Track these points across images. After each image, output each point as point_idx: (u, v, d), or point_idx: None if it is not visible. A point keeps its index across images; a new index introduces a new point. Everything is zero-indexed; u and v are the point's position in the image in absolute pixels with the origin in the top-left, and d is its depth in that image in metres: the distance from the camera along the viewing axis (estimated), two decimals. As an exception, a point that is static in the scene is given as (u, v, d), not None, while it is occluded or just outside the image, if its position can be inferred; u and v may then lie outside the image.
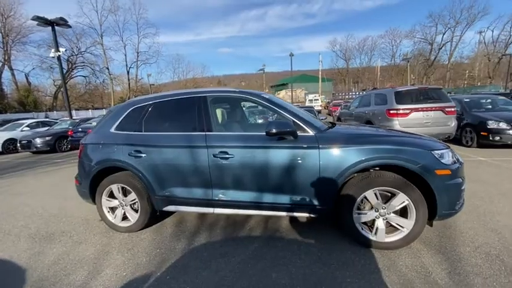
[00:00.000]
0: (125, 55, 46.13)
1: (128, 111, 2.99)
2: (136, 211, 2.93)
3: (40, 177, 6.23)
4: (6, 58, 34.91)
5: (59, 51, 12.36)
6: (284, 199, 2.44)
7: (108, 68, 42.60)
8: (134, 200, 2.89)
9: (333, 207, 2.35)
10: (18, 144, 10.43)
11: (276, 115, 2.63)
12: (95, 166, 2.91)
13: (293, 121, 2.42)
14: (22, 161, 8.94)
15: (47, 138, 10.11)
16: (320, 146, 2.30)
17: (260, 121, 6.85)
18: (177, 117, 2.87)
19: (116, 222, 2.98)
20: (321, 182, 2.29)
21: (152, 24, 61.02)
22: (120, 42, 44.65)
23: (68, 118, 14.09)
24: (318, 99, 30.03)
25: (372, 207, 2.31)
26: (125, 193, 2.95)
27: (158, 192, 2.78)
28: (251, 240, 2.61)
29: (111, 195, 2.98)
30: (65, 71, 28.18)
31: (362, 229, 2.33)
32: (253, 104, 2.97)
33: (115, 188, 2.92)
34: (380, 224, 2.29)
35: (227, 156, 2.50)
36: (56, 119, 15.13)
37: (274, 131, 2.27)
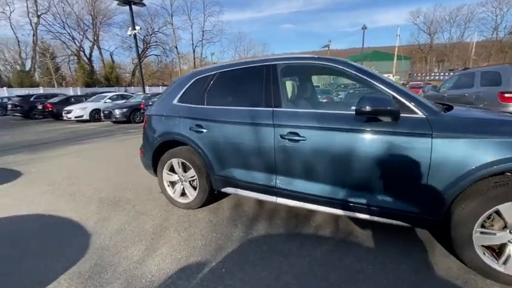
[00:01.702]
0: (192, 34, 48.58)
1: (191, 82, 2.77)
2: (195, 188, 2.77)
3: (116, 144, 6.87)
4: (95, 38, 40.21)
5: (135, 29, 13.34)
6: (368, 199, 1.90)
7: (176, 47, 45.61)
8: (193, 176, 2.73)
9: (441, 220, 1.73)
10: (102, 114, 11.88)
11: (367, 90, 2.03)
12: (157, 138, 2.81)
13: (394, 97, 1.80)
14: (104, 129, 10.14)
15: (124, 110, 11.23)
16: (434, 133, 1.65)
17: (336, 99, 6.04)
18: (242, 89, 2.51)
19: (175, 197, 2.89)
20: (429, 184, 1.67)
21: (217, 2, 62.15)
22: (187, 21, 47.19)
23: (141, 93, 15.45)
24: (331, 93, 25.62)
25: (505, 227, 1.61)
26: (185, 169, 2.81)
27: (217, 171, 2.54)
28: (318, 241, 2.19)
29: (172, 170, 2.88)
30: (140, 50, 31.04)
31: (484, 254, 1.66)
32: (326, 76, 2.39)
33: (175, 162, 2.79)
34: (515, 251, 1.58)
35: (297, 138, 2.06)
36: (132, 93, 16.79)
37: (368, 108, 1.70)
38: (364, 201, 1.92)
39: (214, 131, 2.47)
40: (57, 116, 13.57)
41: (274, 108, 2.21)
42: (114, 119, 11.23)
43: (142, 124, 3.22)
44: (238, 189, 2.50)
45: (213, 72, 2.65)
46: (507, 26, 45.54)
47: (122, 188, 3.57)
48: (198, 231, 2.41)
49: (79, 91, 26.25)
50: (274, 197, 2.31)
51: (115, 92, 19.34)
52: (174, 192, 2.91)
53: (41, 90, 23.48)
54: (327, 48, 37.90)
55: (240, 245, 2.16)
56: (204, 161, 2.59)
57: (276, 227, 2.42)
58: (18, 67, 35.56)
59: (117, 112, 11.16)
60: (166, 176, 2.90)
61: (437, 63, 55.21)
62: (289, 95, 2.60)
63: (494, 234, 1.62)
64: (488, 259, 1.65)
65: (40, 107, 14.20)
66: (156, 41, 44.51)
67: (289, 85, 2.65)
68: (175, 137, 2.70)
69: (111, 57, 44.08)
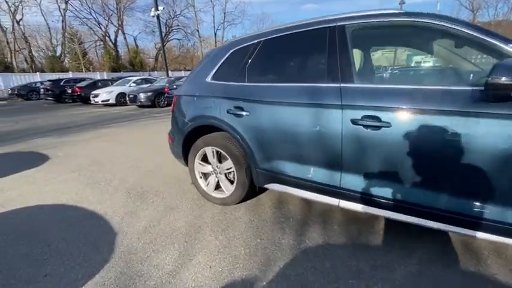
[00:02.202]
0: (213, 16, 47.58)
1: (228, 54, 2.29)
2: (232, 182, 2.36)
3: (142, 129, 6.67)
4: (119, 23, 40.54)
5: (158, 10, 12.96)
6: (490, 212, 1.36)
7: (198, 30, 44.94)
8: (230, 168, 2.31)
9: None
10: (127, 98, 11.85)
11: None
12: (189, 123, 2.41)
13: None
14: (129, 113, 10.07)
15: (149, 94, 11.07)
16: None
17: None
18: (294, 60, 2.02)
19: (208, 190, 2.51)
20: None
21: (239, -20, 59.92)
22: (209, 2, 45.86)
23: (165, 76, 15.27)
24: (429, 62, 22.69)
25: None
26: (220, 159, 2.40)
27: (261, 164, 2.09)
28: (399, 259, 1.69)
29: (205, 159, 2.48)
30: (163, 34, 30.85)
31: None
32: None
33: (209, 151, 2.38)
34: None
35: (378, 124, 1.53)
36: (156, 77, 16.71)
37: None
38: (483, 215, 1.37)
39: (258, 114, 2.00)
40: (85, 100, 13.81)
41: (343, 84, 1.68)
42: (139, 103, 11.14)
43: (166, 108, 2.83)
44: (288, 187, 2.04)
45: (255, 41, 2.15)
46: None
47: (149, 176, 3.27)
48: (239, 234, 2.02)
49: (105, 76, 26.78)
50: (337, 200, 1.83)
51: (140, 76, 19.46)
52: (207, 185, 2.52)
53: (70, 75, 24.17)
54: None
55: (293, 258, 1.73)
56: (244, 150, 2.15)
57: (334, 235, 1.96)
58: (49, 53, 36.98)
59: (142, 96, 11.03)
60: (199, 166, 2.51)
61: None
62: (362, 66, 2.04)
63: None
64: None
65: (69, 91, 14.53)
66: (178, 25, 44.12)
67: (361, 53, 2.08)
68: (210, 121, 2.27)
69: (135, 42, 44.49)
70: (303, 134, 1.82)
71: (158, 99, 11.21)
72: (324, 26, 1.81)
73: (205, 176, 2.56)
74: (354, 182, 1.72)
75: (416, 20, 1.53)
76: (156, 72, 36.02)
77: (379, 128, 1.53)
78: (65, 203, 2.64)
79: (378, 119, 1.53)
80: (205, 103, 2.31)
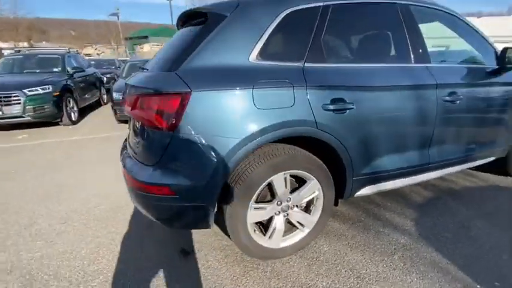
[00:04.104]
0: None
1: (279, 19, 1.39)
2: (309, 211, 1.62)
3: None
4: None
5: None
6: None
7: None
8: (312, 194, 1.56)
9: None
10: None
11: None
12: (243, 143, 1.24)
13: None
14: None
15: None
16: None
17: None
18: (373, 36, 1.67)
19: (272, 243, 1.54)
20: None
21: None
22: None
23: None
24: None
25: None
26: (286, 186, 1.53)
27: (361, 169, 1.61)
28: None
29: (263, 198, 1.46)
30: None
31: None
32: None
33: (279, 180, 1.42)
34: None
35: (456, 98, 1.77)
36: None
37: None
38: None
39: (367, 105, 1.49)
40: None
41: (428, 64, 1.70)
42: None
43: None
44: (383, 183, 1.76)
45: (320, 4, 1.48)
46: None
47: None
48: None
49: None
50: (426, 174, 1.89)
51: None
52: (269, 237, 1.53)
53: None
54: (115, 17, 32.27)
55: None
56: (340, 160, 1.52)
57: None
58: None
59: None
60: (254, 214, 1.44)
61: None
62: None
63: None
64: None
65: None
66: None
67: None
68: (298, 130, 1.35)
69: None
70: (408, 119, 1.67)
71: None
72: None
73: (262, 224, 1.54)
74: (438, 152, 1.87)
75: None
76: None
77: (456, 102, 1.77)
78: None
79: (456, 94, 1.77)
80: (277, 99, 1.30)
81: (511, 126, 2.18)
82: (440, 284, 1.38)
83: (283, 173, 1.41)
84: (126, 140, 1.92)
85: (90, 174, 2.91)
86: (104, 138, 4.42)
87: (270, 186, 1.42)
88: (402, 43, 1.66)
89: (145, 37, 37.76)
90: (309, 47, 1.42)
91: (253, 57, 1.33)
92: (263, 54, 1.35)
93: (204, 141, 1.22)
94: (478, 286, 1.36)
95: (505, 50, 1.91)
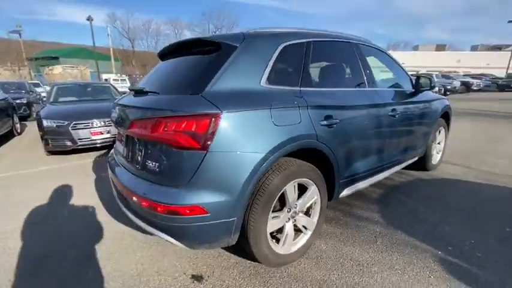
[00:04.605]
0: None
1: (278, 51, 1.66)
2: (309, 215, 1.84)
3: None
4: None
5: None
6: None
7: None
8: (313, 198, 1.79)
9: None
10: None
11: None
12: (268, 155, 1.40)
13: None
14: None
15: None
16: None
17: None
18: (342, 66, 2.09)
19: (285, 249, 1.69)
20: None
21: None
22: None
23: None
24: (125, 79, 24.48)
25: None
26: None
27: (345, 172, 1.96)
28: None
29: (273, 208, 1.61)
30: None
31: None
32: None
33: (290, 188, 1.61)
34: None
35: (396, 114, 2.34)
36: None
37: None
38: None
39: (347, 120, 1.86)
40: None
41: (376, 88, 2.27)
42: None
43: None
44: (356, 184, 2.13)
45: (305, 40, 1.82)
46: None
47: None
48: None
49: None
50: (382, 174, 2.38)
51: None
52: (283, 244, 1.67)
53: None
54: (17, 35, 27.49)
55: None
56: (331, 165, 1.82)
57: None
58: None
59: None
60: (272, 223, 1.58)
61: (142, 67, 61.39)
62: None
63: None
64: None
65: None
66: None
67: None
68: (306, 142, 1.58)
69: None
70: (372, 129, 2.14)
71: None
72: (348, 41, 2.17)
73: (278, 231, 1.66)
74: (388, 156, 2.39)
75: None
76: None
77: (395, 116, 2.34)
78: None
79: (396, 110, 2.34)
80: (289, 117, 1.51)
81: (425, 132, 2.94)
82: (416, 256, 1.77)
83: (293, 181, 1.61)
84: (111, 169, 1.81)
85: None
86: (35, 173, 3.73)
87: (280, 195, 1.59)
88: (358, 71, 2.14)
89: (56, 58, 33.29)
90: (301, 74, 1.72)
91: (263, 82, 1.53)
92: (270, 79, 1.57)
93: (234, 158, 1.32)
94: (440, 252, 1.81)
95: (418, 77, 2.62)
